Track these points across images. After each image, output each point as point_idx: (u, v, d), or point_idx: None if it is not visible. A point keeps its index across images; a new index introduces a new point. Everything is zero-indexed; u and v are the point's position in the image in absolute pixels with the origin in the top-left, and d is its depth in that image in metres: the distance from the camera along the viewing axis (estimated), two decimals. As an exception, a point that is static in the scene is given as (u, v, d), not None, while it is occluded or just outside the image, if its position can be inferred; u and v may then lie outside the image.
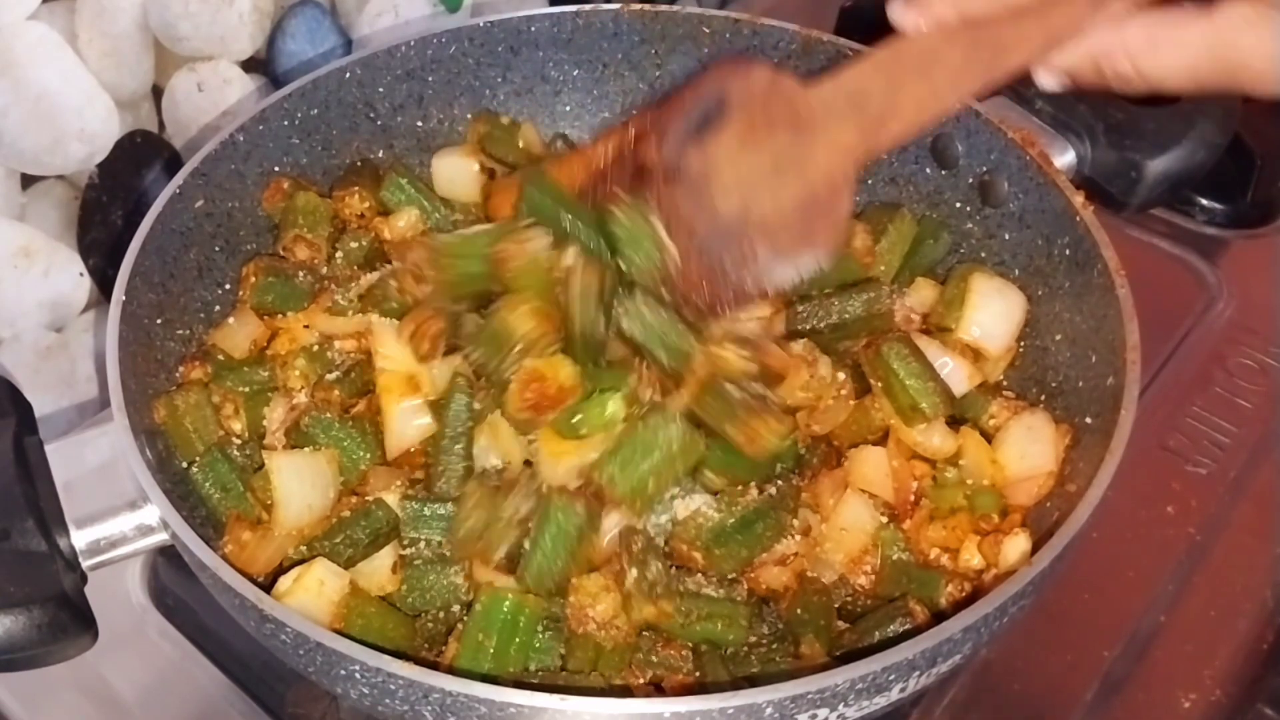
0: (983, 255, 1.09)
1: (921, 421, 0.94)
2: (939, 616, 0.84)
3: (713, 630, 0.87)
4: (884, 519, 0.93)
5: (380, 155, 1.17)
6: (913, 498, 0.95)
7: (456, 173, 1.15)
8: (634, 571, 0.85)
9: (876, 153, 0.91)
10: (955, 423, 0.97)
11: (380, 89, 1.14)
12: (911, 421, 0.94)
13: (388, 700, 0.73)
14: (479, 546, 0.87)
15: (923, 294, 1.06)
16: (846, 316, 1.01)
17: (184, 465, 0.93)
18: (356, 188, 1.11)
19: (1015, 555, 0.87)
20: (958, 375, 0.98)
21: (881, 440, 0.96)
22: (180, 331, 1.00)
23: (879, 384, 0.95)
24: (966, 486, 0.94)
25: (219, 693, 0.99)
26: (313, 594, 0.85)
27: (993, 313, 1.01)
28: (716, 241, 0.87)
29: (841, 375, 0.98)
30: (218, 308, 1.05)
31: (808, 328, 1.01)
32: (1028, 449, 0.93)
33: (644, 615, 0.85)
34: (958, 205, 1.10)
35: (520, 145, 1.16)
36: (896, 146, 0.96)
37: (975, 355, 1.01)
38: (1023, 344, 1.04)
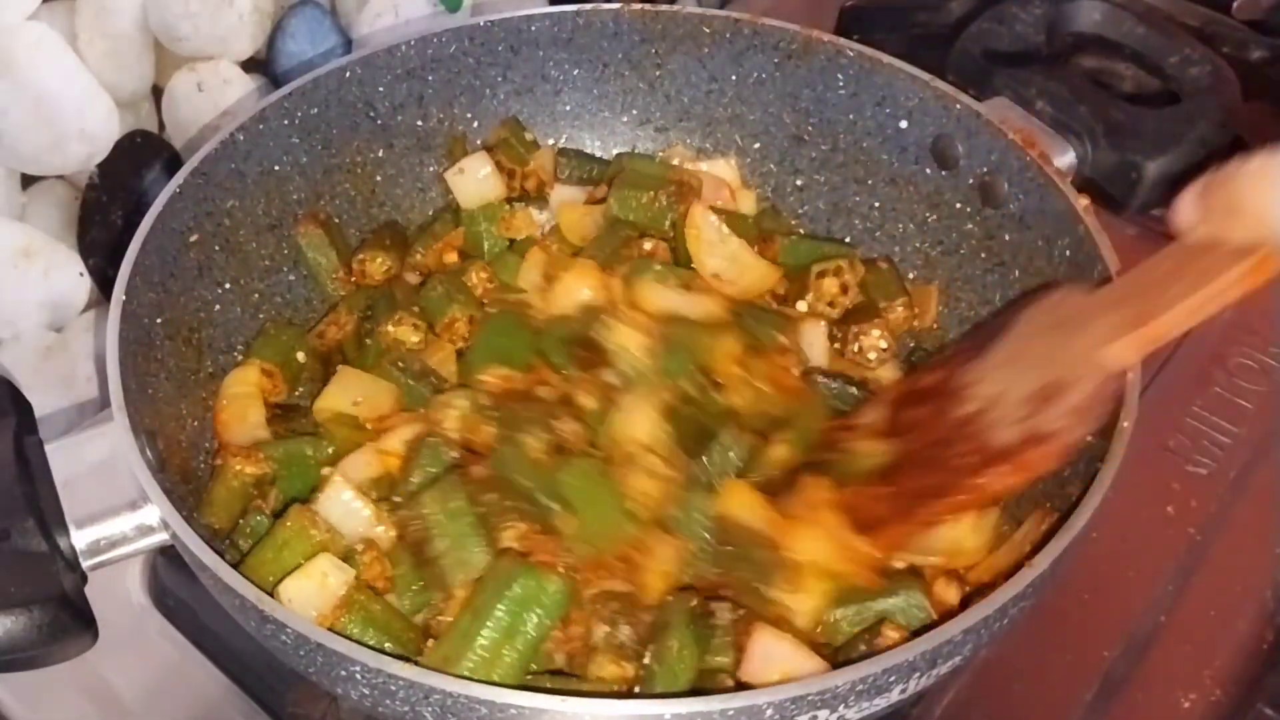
0: (983, 256, 1.09)
1: None
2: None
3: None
4: None
5: (380, 154, 1.17)
6: None
7: (475, 173, 1.16)
8: (604, 629, 0.85)
9: (1143, 347, 0.82)
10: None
11: (380, 89, 1.14)
12: None
13: (388, 701, 0.73)
14: None
15: None
16: None
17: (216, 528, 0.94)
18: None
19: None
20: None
21: None
22: (180, 331, 1.00)
23: None
24: None
25: (219, 693, 0.99)
26: (315, 584, 0.84)
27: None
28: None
29: None
30: (217, 307, 1.05)
31: None
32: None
33: (605, 673, 0.84)
34: (958, 206, 1.10)
35: (530, 165, 1.18)
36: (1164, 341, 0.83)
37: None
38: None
